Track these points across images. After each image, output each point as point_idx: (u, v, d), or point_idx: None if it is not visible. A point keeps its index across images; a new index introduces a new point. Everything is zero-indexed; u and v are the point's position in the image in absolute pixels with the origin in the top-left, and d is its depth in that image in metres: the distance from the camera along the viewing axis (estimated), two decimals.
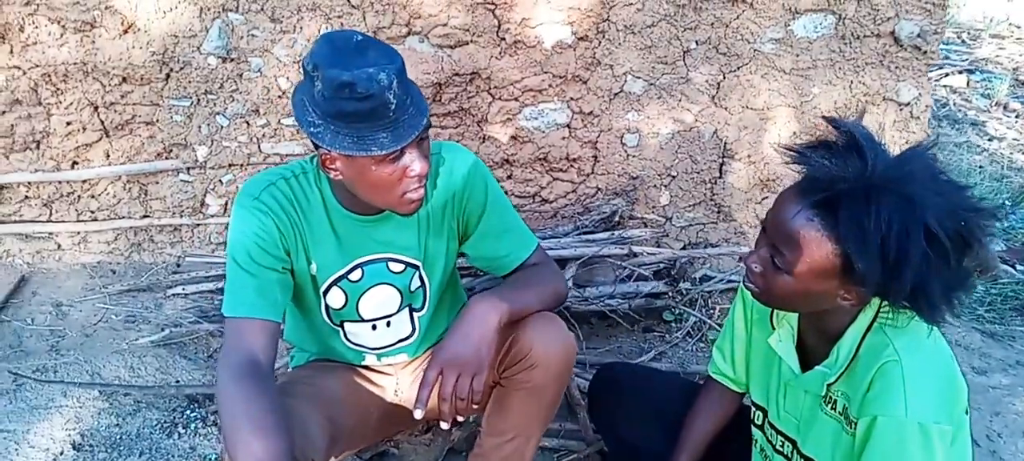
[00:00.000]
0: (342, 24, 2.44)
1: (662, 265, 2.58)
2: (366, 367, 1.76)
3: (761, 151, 2.76)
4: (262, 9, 2.41)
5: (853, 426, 1.29)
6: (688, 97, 2.66)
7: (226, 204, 2.70)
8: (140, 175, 2.70)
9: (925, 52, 2.67)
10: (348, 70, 1.24)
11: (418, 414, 1.39)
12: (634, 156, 2.73)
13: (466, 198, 1.60)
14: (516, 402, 1.58)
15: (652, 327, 2.52)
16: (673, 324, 2.57)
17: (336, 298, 1.60)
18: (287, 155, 2.63)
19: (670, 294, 2.52)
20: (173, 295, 2.58)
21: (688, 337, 2.53)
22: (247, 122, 2.58)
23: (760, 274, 1.29)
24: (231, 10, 2.41)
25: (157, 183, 2.73)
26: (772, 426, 1.54)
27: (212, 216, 2.70)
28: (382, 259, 1.58)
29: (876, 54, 2.67)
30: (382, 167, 1.33)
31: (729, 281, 2.72)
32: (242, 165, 2.63)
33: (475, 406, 1.41)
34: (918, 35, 2.63)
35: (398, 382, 1.78)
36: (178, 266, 2.76)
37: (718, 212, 2.84)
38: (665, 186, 2.79)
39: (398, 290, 1.63)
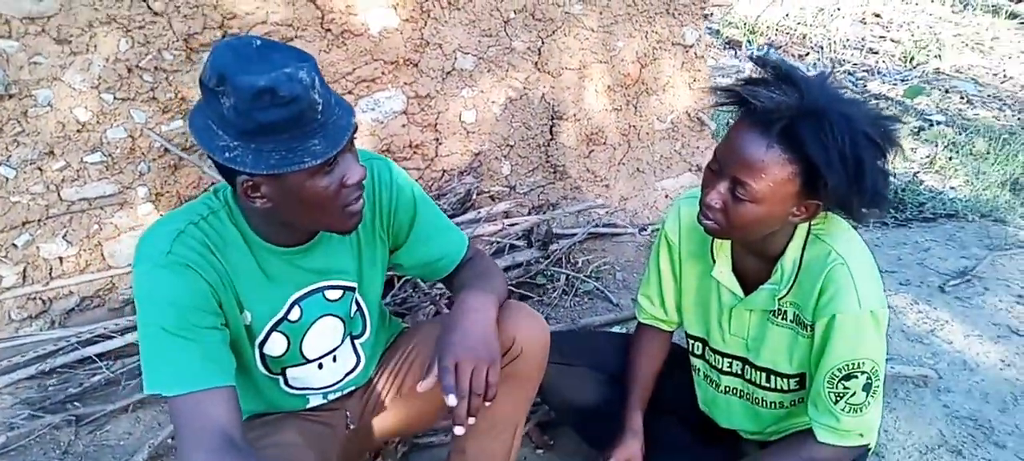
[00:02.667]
0: (145, 35, 2.13)
1: (525, 232, 2.64)
2: (311, 409, 1.59)
3: (584, 108, 2.93)
4: (43, 31, 2.02)
5: (809, 329, 1.45)
6: (514, 66, 2.74)
7: (24, 271, 2.23)
8: None
9: None
10: (263, 74, 1.08)
11: (451, 400, 1.27)
12: (474, 132, 2.74)
13: (394, 205, 1.47)
14: (503, 393, 1.53)
15: (526, 295, 2.57)
16: (548, 286, 2.64)
17: (276, 345, 1.41)
18: (97, 198, 2.24)
19: (539, 258, 2.59)
20: None
21: (564, 295, 2.62)
22: (40, 168, 2.15)
23: (720, 209, 1.36)
24: (3, 36, 1.98)
25: None
26: (715, 351, 1.65)
27: (9, 289, 2.21)
28: (317, 290, 1.42)
29: (662, 3, 2.96)
30: (317, 180, 1.18)
31: (591, 233, 2.87)
32: (40, 221, 2.19)
33: (488, 402, 1.32)
34: None
35: (348, 413, 1.63)
36: None
37: (554, 172, 2.96)
38: (505, 157, 2.84)
39: (340, 319, 1.48)
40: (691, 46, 3.08)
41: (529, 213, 2.90)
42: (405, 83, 2.57)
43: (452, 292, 1.57)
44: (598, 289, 2.66)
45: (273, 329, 1.39)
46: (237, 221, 1.30)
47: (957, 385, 2.14)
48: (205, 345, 1.23)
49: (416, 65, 2.57)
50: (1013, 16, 8.10)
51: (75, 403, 2.05)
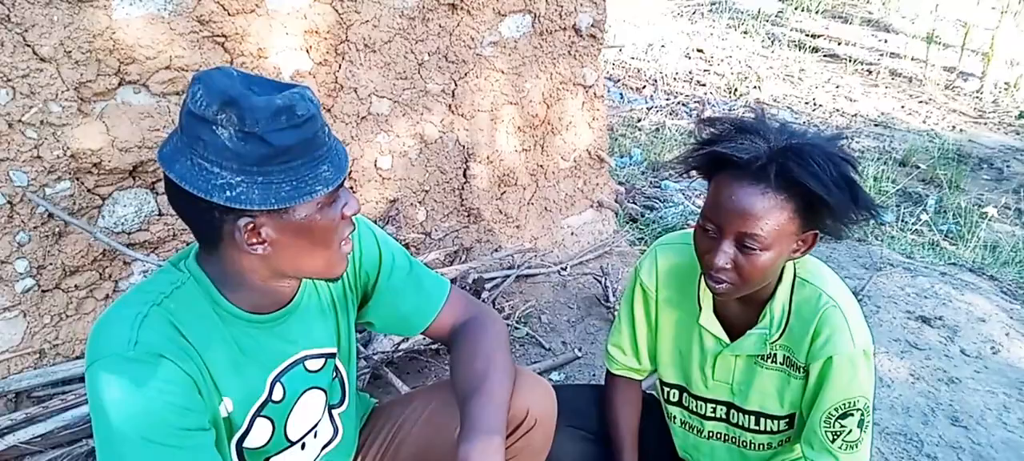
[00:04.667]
0: (29, 85, 1.82)
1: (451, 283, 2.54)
2: None
3: (496, 149, 2.88)
4: None
5: (800, 371, 1.49)
6: (429, 109, 2.64)
7: None
8: None
9: (597, 39, 3.09)
10: (275, 93, 0.99)
11: None
12: (389, 179, 2.61)
13: (359, 255, 1.35)
14: None
15: None
16: None
17: (260, 433, 1.23)
18: None
19: None
20: None
21: None
22: None
23: (731, 269, 1.36)
24: None
25: None
26: (695, 398, 1.65)
27: None
28: (297, 362, 1.26)
29: (564, 45, 2.99)
30: (325, 212, 1.07)
31: (504, 276, 2.81)
32: None
33: None
34: (592, 25, 3.03)
35: None
36: None
37: (468, 216, 2.89)
38: (421, 203, 2.73)
39: (322, 390, 1.33)
40: (591, 86, 3.14)
41: (446, 260, 2.80)
42: None
43: (450, 364, 1.45)
44: (529, 335, 2.61)
45: (257, 415, 1.21)
46: (207, 291, 1.12)
47: (880, 402, 2.31)
48: (197, 451, 1.05)
49: (330, 110, 2.41)
50: (815, 50, 9.09)
51: None
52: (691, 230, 1.64)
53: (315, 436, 1.36)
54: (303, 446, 1.34)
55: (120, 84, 1.97)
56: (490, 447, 1.19)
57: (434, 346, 2.42)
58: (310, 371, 1.28)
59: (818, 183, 1.27)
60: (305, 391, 1.28)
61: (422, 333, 1.46)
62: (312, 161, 1.02)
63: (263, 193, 0.99)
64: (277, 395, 1.23)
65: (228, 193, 0.98)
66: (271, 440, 1.26)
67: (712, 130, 1.38)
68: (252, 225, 1.03)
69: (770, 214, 1.30)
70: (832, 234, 1.40)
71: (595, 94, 3.17)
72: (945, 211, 4.53)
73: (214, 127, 0.96)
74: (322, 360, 1.30)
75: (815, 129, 1.68)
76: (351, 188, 2.54)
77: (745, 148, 1.29)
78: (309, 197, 1.02)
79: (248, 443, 1.23)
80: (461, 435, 1.20)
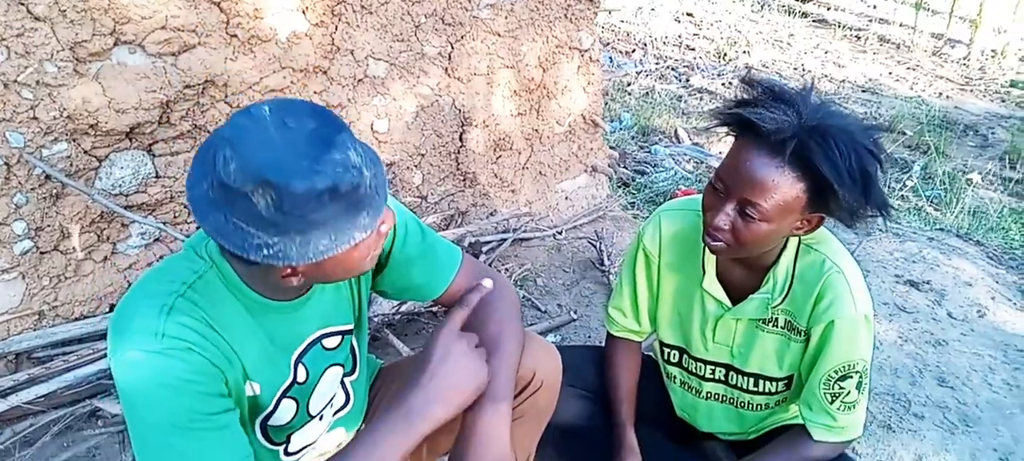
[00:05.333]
0: (24, 45, 1.79)
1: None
2: None
3: (492, 113, 2.87)
4: None
5: (801, 335, 1.51)
6: (425, 72, 2.62)
7: None
8: None
9: (594, 1, 3.07)
10: (316, 170, 0.93)
11: None
12: (386, 142, 2.60)
13: None
14: (521, 430, 1.45)
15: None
16: None
17: (286, 411, 1.25)
18: None
19: None
20: None
21: None
22: None
23: (729, 231, 1.37)
24: None
25: None
26: (695, 359, 1.68)
27: None
28: (315, 341, 1.27)
29: (561, 8, 2.97)
30: (362, 246, 1.06)
31: (501, 240, 2.82)
32: None
33: None
34: None
35: None
36: None
37: (464, 180, 2.89)
38: (417, 166, 2.72)
39: (341, 366, 1.35)
40: (586, 50, 3.12)
41: (442, 224, 2.81)
42: (315, 92, 2.38)
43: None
44: (526, 298, 2.63)
45: (283, 396, 1.23)
46: (229, 281, 1.12)
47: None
48: (226, 432, 1.07)
49: (326, 72, 2.39)
50: (804, 15, 9.08)
51: None
52: (693, 197, 1.66)
53: (331, 406, 1.38)
54: (321, 417, 1.36)
55: (115, 44, 1.94)
56: (497, 414, 1.21)
57: (433, 309, 2.44)
58: (328, 349, 1.30)
59: (832, 169, 1.26)
60: (326, 369, 1.30)
61: (436, 301, 1.46)
62: (352, 214, 1.00)
63: (301, 251, 0.97)
64: (301, 376, 1.25)
65: (265, 251, 0.96)
66: (295, 417, 1.28)
67: (751, 91, 1.35)
68: (289, 270, 1.03)
69: (778, 189, 1.30)
70: (841, 221, 1.39)
71: (591, 58, 3.16)
72: (931, 177, 4.59)
73: (250, 198, 0.93)
74: (339, 337, 1.32)
75: (862, 115, 1.67)
76: None
77: (773, 118, 1.27)
78: (346, 245, 1.00)
79: (273, 422, 1.25)
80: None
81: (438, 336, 1.20)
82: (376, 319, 2.24)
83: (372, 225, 1.03)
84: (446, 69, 2.68)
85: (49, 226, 1.98)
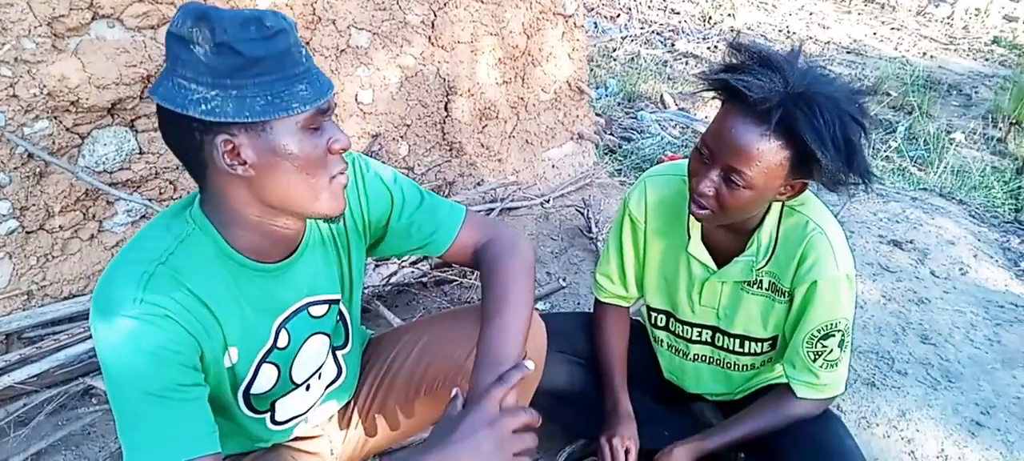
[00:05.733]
0: (1, 21, 1.76)
1: None
2: (295, 439, 1.45)
3: (477, 82, 2.86)
4: None
5: (785, 296, 1.54)
6: (409, 41, 2.60)
7: None
8: None
9: None
10: (247, 11, 1.01)
11: None
12: (371, 114, 2.59)
13: (366, 195, 1.34)
14: None
15: (443, 280, 2.50)
16: (463, 270, 2.58)
17: (267, 377, 1.26)
18: None
19: None
20: None
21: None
22: None
23: (713, 197, 1.39)
24: None
25: None
26: (682, 322, 1.71)
27: None
28: (301, 308, 1.28)
29: None
30: (305, 139, 1.05)
31: (489, 209, 2.82)
32: None
33: None
34: None
35: (331, 441, 1.51)
36: None
37: (450, 150, 2.88)
38: (402, 137, 2.71)
39: (326, 335, 1.35)
40: (571, 16, 3.11)
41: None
42: None
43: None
44: None
45: (263, 361, 1.24)
46: (214, 239, 1.13)
47: (853, 323, 2.40)
48: (194, 406, 1.08)
49: (308, 43, 2.37)
50: None
51: None
52: (678, 162, 1.66)
53: (319, 377, 1.38)
54: (308, 387, 1.36)
55: (93, 18, 1.91)
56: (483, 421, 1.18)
57: (422, 279, 2.45)
58: (314, 317, 1.30)
59: (816, 138, 1.27)
60: (309, 336, 1.30)
61: (442, 257, 1.46)
62: (287, 78, 1.02)
63: (237, 106, 0.99)
64: (282, 342, 1.25)
65: (203, 106, 0.98)
66: (277, 384, 1.28)
67: (738, 56, 1.36)
68: (231, 144, 1.02)
69: (763, 157, 1.31)
70: (824, 187, 1.40)
71: (575, 24, 3.14)
72: (915, 137, 4.62)
73: (190, 44, 0.98)
74: (326, 306, 1.32)
75: (847, 78, 1.67)
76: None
77: (759, 85, 1.28)
78: (284, 113, 1.01)
79: (255, 389, 1.26)
80: (476, 362, 1.24)
81: (470, 413, 1.14)
82: (367, 291, 2.25)
83: (313, 100, 1.03)
84: (429, 37, 2.66)
85: (34, 205, 1.96)
